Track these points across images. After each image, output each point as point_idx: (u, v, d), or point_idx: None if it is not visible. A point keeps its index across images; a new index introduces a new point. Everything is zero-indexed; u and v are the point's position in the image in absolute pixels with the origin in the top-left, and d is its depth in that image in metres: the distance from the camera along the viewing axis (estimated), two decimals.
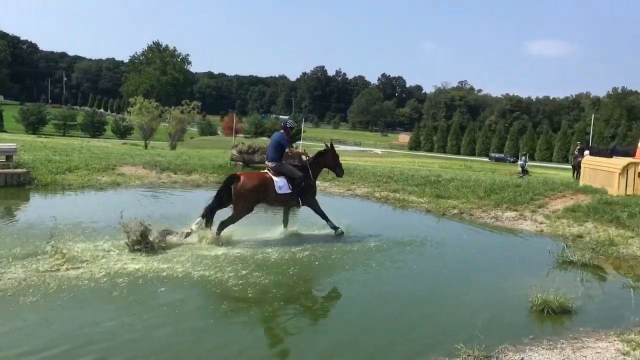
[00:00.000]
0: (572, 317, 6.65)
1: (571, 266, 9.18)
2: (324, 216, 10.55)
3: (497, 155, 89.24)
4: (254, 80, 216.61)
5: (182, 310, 6.29)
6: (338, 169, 11.34)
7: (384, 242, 10.40)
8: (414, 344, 5.82)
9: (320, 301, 7.35)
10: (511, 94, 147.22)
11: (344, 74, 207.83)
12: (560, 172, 43.09)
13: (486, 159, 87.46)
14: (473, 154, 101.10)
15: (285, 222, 10.61)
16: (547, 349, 5.56)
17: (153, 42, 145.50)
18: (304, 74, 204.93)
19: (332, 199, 16.34)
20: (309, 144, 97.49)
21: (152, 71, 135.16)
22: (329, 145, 11.32)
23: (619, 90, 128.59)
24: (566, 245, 10.25)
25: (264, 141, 50.84)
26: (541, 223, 12.89)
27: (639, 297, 7.51)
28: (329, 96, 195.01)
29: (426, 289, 7.95)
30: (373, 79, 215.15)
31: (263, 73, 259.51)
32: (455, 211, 14.34)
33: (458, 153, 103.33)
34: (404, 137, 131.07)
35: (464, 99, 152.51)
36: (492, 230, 12.52)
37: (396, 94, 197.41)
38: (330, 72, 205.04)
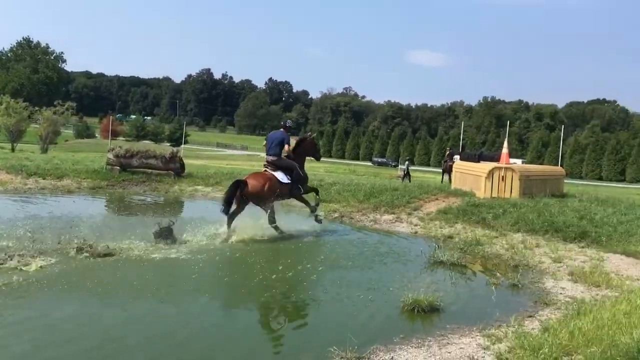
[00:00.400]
0: (440, 315, 6.96)
1: (441, 266, 9.65)
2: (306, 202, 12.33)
3: (379, 159, 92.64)
4: (135, 81, 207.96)
5: None
6: (317, 155, 13.47)
7: (257, 245, 10.39)
8: (282, 348, 5.83)
9: (184, 306, 7.11)
10: (393, 101, 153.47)
11: (231, 77, 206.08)
12: (437, 175, 45.36)
13: (370, 163, 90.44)
14: (357, 159, 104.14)
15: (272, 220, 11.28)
16: (415, 347, 5.77)
17: (23, 38, 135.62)
18: (189, 76, 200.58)
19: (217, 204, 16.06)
20: (194, 147, 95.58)
21: (22, 69, 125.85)
22: (310, 135, 13.78)
23: (489, 100, 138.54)
24: (437, 245, 10.79)
25: (145, 144, 49.10)
26: (416, 225, 13.49)
27: (501, 294, 8.04)
28: (215, 99, 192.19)
29: (298, 291, 7.97)
30: (260, 83, 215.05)
31: (145, 74, 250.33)
32: (336, 215, 14.62)
33: (343, 157, 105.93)
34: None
35: (348, 104, 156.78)
36: (370, 232, 12.89)
37: (283, 99, 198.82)
38: (217, 75, 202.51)
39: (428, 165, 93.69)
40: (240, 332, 6.29)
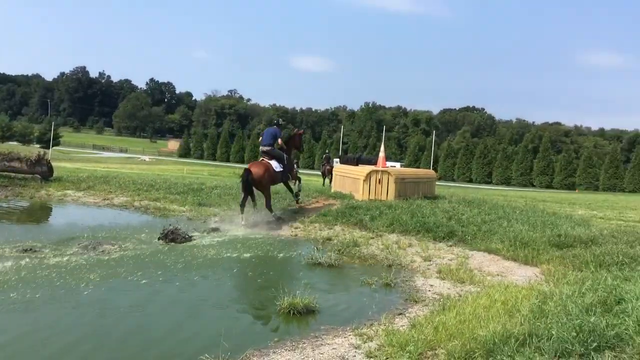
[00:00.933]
0: (316, 317, 7.04)
1: (319, 267, 9.79)
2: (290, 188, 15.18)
3: None
4: (1, 79, 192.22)
5: None
6: (301, 148, 16.17)
7: (127, 251, 9.95)
8: (151, 355, 5.61)
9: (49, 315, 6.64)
10: (278, 105, 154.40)
11: (109, 77, 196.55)
12: (320, 179, 46.20)
13: None
14: (242, 162, 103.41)
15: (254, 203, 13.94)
16: (289, 350, 5.78)
17: None
18: (62, 74, 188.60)
19: (86, 209, 15.21)
20: (68, 150, 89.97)
21: None
22: (296, 130, 15.98)
23: (370, 105, 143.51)
24: (316, 248, 10.95)
25: (9, 146, 45.42)
26: (296, 228, 13.60)
27: (375, 293, 8.29)
28: (91, 99, 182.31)
29: (170, 299, 7.71)
30: (141, 83, 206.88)
31: (12, 70, 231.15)
32: (217, 218, 14.37)
33: (228, 160, 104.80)
34: (174, 144, 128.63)
35: (233, 107, 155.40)
36: (250, 236, 12.80)
37: (165, 100, 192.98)
38: (93, 74, 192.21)
39: (312, 168, 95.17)
40: (115, 340, 5.96)
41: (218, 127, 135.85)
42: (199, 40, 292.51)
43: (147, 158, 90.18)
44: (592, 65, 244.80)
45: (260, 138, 14.32)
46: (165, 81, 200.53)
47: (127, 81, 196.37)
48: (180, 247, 10.91)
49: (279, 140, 14.04)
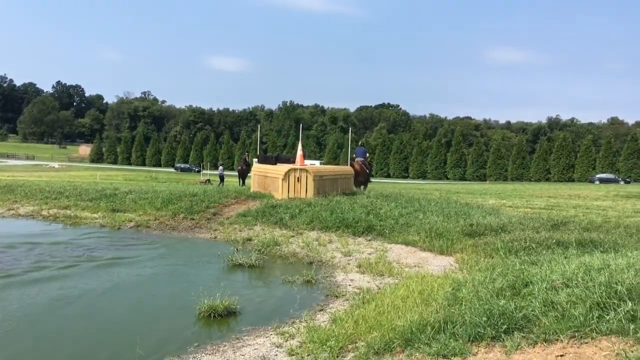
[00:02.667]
0: (237, 318, 6.95)
1: (240, 269, 9.69)
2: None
3: (182, 165, 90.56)
4: None
5: None
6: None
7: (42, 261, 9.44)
8: None
9: None
10: (194, 106, 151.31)
11: (11, 80, 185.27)
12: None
13: (172, 170, 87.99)
14: (159, 165, 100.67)
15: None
16: (210, 354, 5.66)
17: None
18: None
19: None
20: None
21: None
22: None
23: (288, 104, 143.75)
24: (236, 249, 10.82)
25: None
26: (215, 230, 13.39)
27: (296, 291, 8.28)
28: None
29: (87, 309, 7.37)
30: (46, 86, 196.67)
31: None
32: (132, 224, 13.91)
33: (144, 164, 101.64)
34: (85, 149, 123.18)
35: (148, 109, 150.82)
36: (169, 240, 12.48)
37: (74, 104, 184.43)
38: None
39: (232, 169, 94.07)
40: (24, 349, 5.60)
41: (132, 130, 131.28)
42: (108, 40, 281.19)
43: (56, 165, 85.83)
44: (498, 62, 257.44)
45: (354, 155, 21.11)
46: (74, 84, 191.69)
47: (32, 84, 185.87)
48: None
49: (367, 155, 21.38)
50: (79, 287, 8.26)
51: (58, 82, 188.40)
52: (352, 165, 20.54)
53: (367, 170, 20.78)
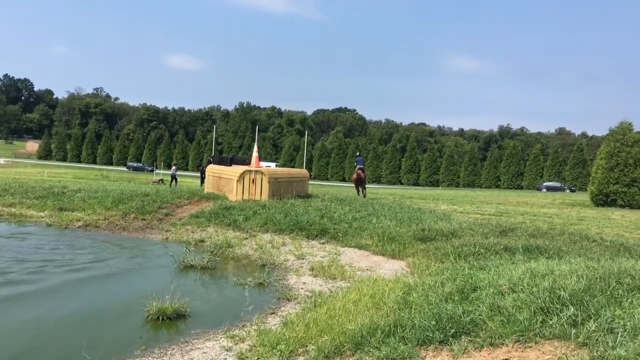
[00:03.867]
0: (187, 321, 6.84)
1: (191, 270, 9.55)
2: None
3: (135, 164, 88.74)
4: None
5: None
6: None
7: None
8: None
9: None
10: (149, 104, 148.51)
11: None
12: (196, 180, 45.12)
13: (124, 168, 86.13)
14: (111, 163, 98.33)
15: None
16: (157, 357, 5.56)
17: None
18: None
19: None
20: None
21: None
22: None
23: (245, 105, 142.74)
24: (188, 250, 10.65)
25: None
26: (167, 231, 13.17)
27: (248, 294, 8.18)
28: None
29: (29, 314, 7.12)
30: None
31: None
32: (80, 224, 13.53)
33: (94, 162, 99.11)
34: (33, 145, 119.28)
35: (100, 106, 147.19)
36: (118, 241, 12.18)
37: (22, 98, 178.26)
38: None
39: (186, 169, 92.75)
40: None
41: (83, 127, 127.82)
42: (59, 33, 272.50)
43: (1, 160, 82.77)
44: (453, 69, 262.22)
45: (356, 163, 23.22)
46: (22, 77, 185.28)
47: None
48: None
49: (364, 163, 22.60)
50: (20, 290, 7.97)
51: (5, 75, 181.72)
52: (358, 173, 21.89)
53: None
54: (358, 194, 21.28)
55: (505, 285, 5.57)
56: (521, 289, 5.31)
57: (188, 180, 46.18)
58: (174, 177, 31.81)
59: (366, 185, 23.69)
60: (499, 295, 5.31)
